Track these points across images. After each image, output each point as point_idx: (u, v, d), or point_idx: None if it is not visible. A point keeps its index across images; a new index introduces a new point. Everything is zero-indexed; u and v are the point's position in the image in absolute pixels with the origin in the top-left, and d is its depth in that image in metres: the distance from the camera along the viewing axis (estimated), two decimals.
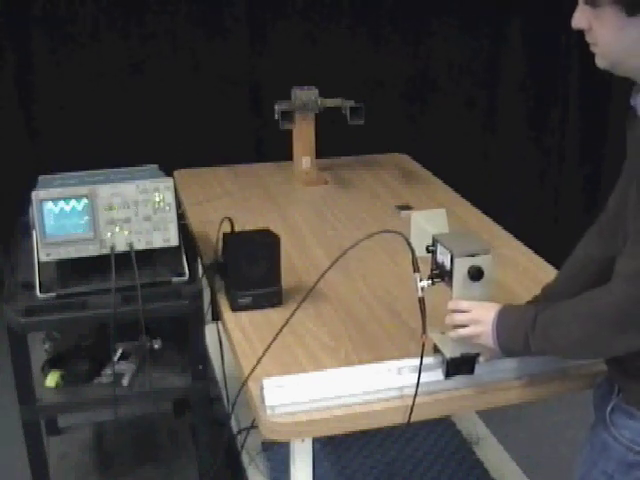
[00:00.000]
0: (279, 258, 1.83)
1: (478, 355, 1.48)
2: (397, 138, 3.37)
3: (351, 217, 2.41)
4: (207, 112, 3.38)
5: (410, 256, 1.45)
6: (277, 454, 2.39)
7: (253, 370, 1.54)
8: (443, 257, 1.45)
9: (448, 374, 1.50)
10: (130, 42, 3.26)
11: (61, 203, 1.74)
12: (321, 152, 2.72)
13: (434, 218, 1.59)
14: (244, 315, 1.80)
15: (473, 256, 1.40)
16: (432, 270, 1.49)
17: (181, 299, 1.82)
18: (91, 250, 1.79)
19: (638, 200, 1.25)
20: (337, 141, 2.80)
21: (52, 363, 1.94)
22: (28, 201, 1.77)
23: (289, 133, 2.68)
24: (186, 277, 1.84)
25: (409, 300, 1.85)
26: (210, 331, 2.02)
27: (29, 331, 1.81)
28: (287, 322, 1.54)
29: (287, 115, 2.58)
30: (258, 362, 1.54)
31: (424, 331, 1.43)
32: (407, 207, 2.45)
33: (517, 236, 2.24)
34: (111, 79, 3.26)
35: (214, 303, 1.92)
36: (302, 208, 2.51)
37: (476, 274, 1.41)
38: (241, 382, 1.57)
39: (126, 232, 1.80)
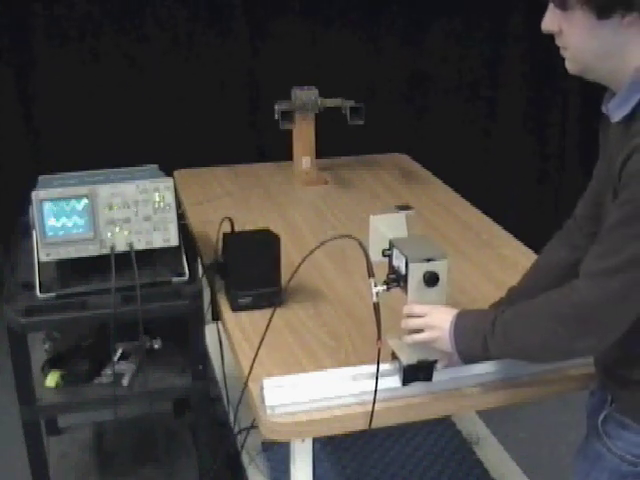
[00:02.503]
0: (279, 258, 1.83)
1: (436, 362, 1.47)
2: (397, 138, 3.37)
3: (351, 217, 2.41)
4: (207, 112, 3.38)
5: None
6: (277, 454, 2.39)
7: (252, 368, 1.54)
8: (399, 262, 1.43)
9: (405, 381, 1.48)
10: (130, 42, 3.26)
11: (61, 203, 1.74)
12: (321, 152, 2.72)
13: (393, 222, 1.57)
14: (244, 315, 1.80)
15: (428, 261, 1.38)
16: (388, 275, 1.47)
17: (181, 299, 1.82)
18: (91, 250, 1.79)
19: (612, 203, 1.24)
20: (337, 141, 2.80)
21: (52, 363, 1.94)
22: (28, 201, 1.77)
23: (289, 133, 2.68)
24: (186, 277, 1.84)
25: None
26: (210, 331, 2.02)
27: (29, 331, 1.81)
28: (273, 315, 1.54)
29: (287, 115, 2.58)
30: (255, 359, 1.54)
31: (379, 337, 1.40)
32: (407, 207, 2.45)
33: (517, 236, 2.24)
34: (111, 79, 3.26)
35: (214, 303, 1.92)
36: (302, 208, 2.51)
37: (431, 279, 1.39)
38: (241, 382, 1.57)
39: (126, 232, 1.80)
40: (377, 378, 1.42)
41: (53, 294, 1.75)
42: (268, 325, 1.52)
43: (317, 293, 1.91)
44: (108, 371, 1.92)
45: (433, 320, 1.40)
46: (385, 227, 1.55)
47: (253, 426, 2.27)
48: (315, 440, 1.51)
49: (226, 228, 1.95)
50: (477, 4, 3.56)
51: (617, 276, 1.19)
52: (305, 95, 2.60)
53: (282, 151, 2.75)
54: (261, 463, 2.38)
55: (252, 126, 3.47)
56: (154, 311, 1.79)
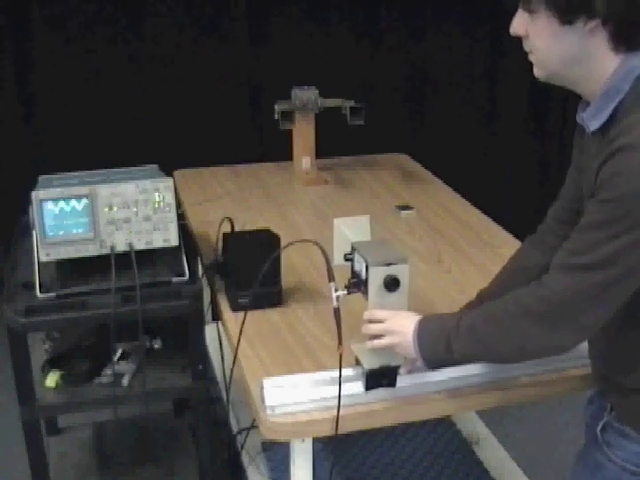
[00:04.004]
0: (279, 258, 1.83)
1: (399, 367, 1.45)
2: (397, 138, 3.38)
3: None
4: (207, 112, 3.39)
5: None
6: (277, 454, 2.39)
7: (235, 361, 1.53)
8: (360, 266, 1.41)
9: (368, 386, 1.46)
10: (130, 42, 3.26)
11: (61, 203, 1.74)
12: (321, 152, 2.72)
13: (357, 225, 1.56)
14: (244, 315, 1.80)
15: (388, 265, 1.36)
16: (349, 279, 1.45)
17: (181, 299, 1.82)
18: (91, 250, 1.79)
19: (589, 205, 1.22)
20: (337, 141, 2.81)
21: (52, 363, 1.94)
22: (28, 201, 1.77)
23: (289, 133, 2.68)
24: (186, 277, 1.84)
25: (409, 300, 1.85)
26: (210, 331, 2.02)
27: (29, 331, 1.81)
28: (245, 318, 1.53)
29: (287, 115, 2.59)
30: (238, 343, 1.54)
31: (340, 342, 1.38)
32: (407, 207, 2.45)
33: (517, 236, 2.24)
34: (111, 79, 3.27)
35: (214, 303, 1.92)
36: (302, 208, 2.51)
37: (391, 284, 1.37)
38: (241, 382, 1.57)
39: (126, 232, 1.80)
40: (340, 384, 1.40)
41: (53, 294, 1.75)
42: (241, 329, 1.53)
43: (317, 293, 1.91)
44: (108, 371, 1.92)
45: (393, 325, 1.39)
46: (349, 230, 1.54)
47: (253, 426, 2.27)
48: (315, 440, 1.51)
49: (226, 228, 1.95)
50: (477, 4, 3.56)
51: (592, 272, 1.17)
52: (305, 95, 2.60)
53: (282, 151, 2.75)
54: (261, 463, 2.38)
55: (252, 126, 3.47)
56: (154, 311, 1.79)
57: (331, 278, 1.40)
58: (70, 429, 2.52)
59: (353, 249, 1.45)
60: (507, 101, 3.75)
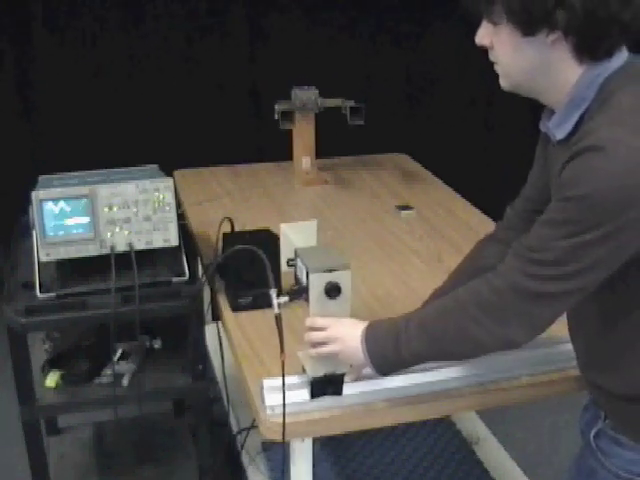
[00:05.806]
0: (279, 258, 1.83)
1: (344, 375, 1.43)
2: (397, 138, 3.37)
3: (351, 217, 2.41)
4: (207, 112, 3.39)
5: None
6: (277, 454, 2.39)
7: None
8: (301, 272, 1.40)
9: (313, 394, 1.44)
10: (130, 42, 3.26)
11: (61, 203, 1.74)
12: (321, 152, 2.72)
13: (303, 230, 1.54)
14: (244, 315, 1.80)
15: (330, 272, 1.35)
16: (292, 285, 1.44)
17: (181, 299, 1.82)
18: (91, 250, 1.78)
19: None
20: (337, 141, 2.80)
21: (52, 363, 1.94)
22: (28, 201, 1.77)
23: (289, 133, 2.68)
24: (186, 277, 1.84)
25: (409, 300, 1.85)
26: (210, 331, 2.02)
27: (29, 331, 1.81)
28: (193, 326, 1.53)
29: (287, 115, 2.59)
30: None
31: (282, 350, 1.36)
32: (407, 207, 2.45)
33: None
34: (111, 79, 3.27)
35: (214, 303, 1.92)
36: (302, 208, 2.51)
37: (332, 290, 1.35)
38: (241, 382, 1.57)
39: (126, 232, 1.80)
40: (284, 392, 1.37)
41: (53, 294, 1.75)
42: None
43: None
44: (108, 371, 1.92)
45: (335, 333, 1.37)
46: (295, 236, 1.52)
47: (253, 426, 2.27)
48: (315, 440, 1.51)
49: (226, 228, 1.95)
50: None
51: (545, 268, 1.16)
52: (305, 95, 2.60)
53: (282, 151, 2.75)
54: (261, 463, 2.38)
55: (252, 126, 3.47)
56: (154, 311, 1.79)
57: (270, 285, 1.37)
58: (70, 429, 2.51)
59: (296, 255, 1.43)
60: (507, 101, 3.73)
